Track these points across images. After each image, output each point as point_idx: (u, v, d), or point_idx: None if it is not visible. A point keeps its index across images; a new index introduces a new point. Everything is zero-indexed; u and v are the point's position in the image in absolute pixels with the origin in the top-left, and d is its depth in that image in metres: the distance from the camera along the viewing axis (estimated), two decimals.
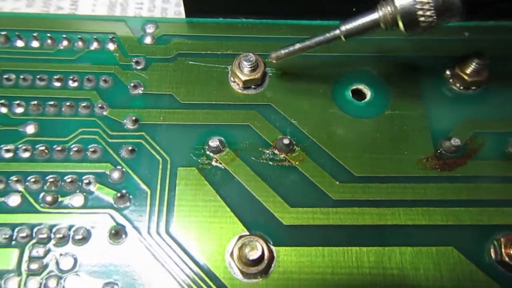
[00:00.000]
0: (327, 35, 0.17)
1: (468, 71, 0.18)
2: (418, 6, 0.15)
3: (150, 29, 0.19)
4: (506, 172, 0.17)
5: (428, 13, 0.15)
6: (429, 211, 0.16)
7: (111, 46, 0.19)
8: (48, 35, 0.19)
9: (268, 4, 0.19)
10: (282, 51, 0.17)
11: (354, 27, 0.16)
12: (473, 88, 0.18)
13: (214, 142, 0.17)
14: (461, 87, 0.18)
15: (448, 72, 0.19)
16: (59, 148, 0.16)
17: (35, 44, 0.19)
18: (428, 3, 0.15)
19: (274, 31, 0.19)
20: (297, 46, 0.17)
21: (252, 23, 0.20)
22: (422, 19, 0.15)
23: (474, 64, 0.18)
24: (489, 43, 0.19)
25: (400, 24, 0.16)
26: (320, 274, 0.15)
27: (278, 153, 0.17)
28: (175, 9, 0.26)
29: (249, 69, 0.18)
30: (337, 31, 0.17)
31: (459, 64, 0.18)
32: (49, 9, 0.26)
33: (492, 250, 0.15)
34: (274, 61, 0.18)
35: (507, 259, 0.15)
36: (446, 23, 0.15)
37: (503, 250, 0.15)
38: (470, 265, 0.15)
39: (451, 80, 0.18)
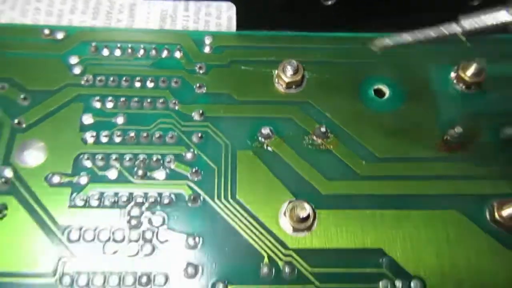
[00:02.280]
0: (444, 30, 0.16)
1: (469, 73, 0.22)
2: None
3: (208, 40, 0.24)
4: (500, 153, 0.21)
5: None
6: (437, 184, 0.20)
7: (178, 55, 0.23)
8: (129, 45, 0.23)
9: (303, 18, 0.24)
10: (390, 42, 0.17)
11: (478, 27, 0.15)
12: (473, 88, 0.23)
13: (265, 130, 0.21)
14: (464, 87, 0.23)
15: (452, 74, 0.23)
16: (144, 135, 0.21)
17: (117, 52, 0.23)
18: None
19: (310, 42, 0.24)
20: (408, 38, 0.17)
21: (291, 35, 0.24)
22: None
23: (473, 68, 0.22)
24: (487, 51, 0.23)
25: None
26: (351, 231, 0.19)
27: (316, 139, 0.21)
28: (216, 21, 0.31)
29: (291, 72, 0.22)
30: (458, 28, 0.16)
31: (462, 67, 0.22)
32: (110, 22, 0.31)
33: (487, 212, 0.19)
34: (377, 50, 0.18)
35: (499, 218, 0.19)
36: None
37: (495, 212, 0.19)
38: (471, 224, 0.19)
39: (455, 81, 0.23)
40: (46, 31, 0.23)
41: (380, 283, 0.18)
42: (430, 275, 0.18)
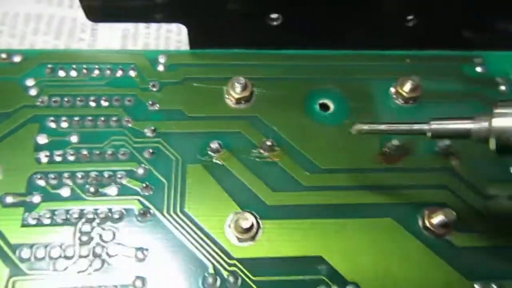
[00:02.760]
0: (414, 127, 0.18)
1: (406, 89, 0.24)
2: None
3: (162, 59, 0.25)
4: (434, 164, 0.22)
5: None
6: (374, 194, 0.21)
7: (132, 73, 0.24)
8: (84, 66, 0.24)
9: (254, 37, 0.25)
10: (365, 127, 0.19)
11: (443, 130, 0.17)
12: (411, 102, 0.24)
13: (214, 145, 0.22)
14: (402, 101, 0.24)
15: (392, 90, 0.24)
16: (97, 152, 0.22)
17: (73, 73, 0.24)
18: None
19: (258, 59, 0.25)
20: (382, 127, 0.19)
21: (241, 52, 0.25)
22: None
23: (410, 83, 0.24)
24: (425, 68, 0.25)
25: (492, 145, 0.15)
26: (293, 240, 0.20)
27: (263, 152, 0.22)
28: (177, 38, 0.32)
29: (240, 89, 0.23)
30: (426, 127, 0.17)
31: (399, 83, 0.24)
32: (73, 41, 0.32)
33: (420, 220, 0.21)
34: (353, 132, 0.20)
35: (429, 226, 0.20)
36: None
37: (426, 220, 0.20)
38: (405, 231, 0.21)
39: (394, 96, 0.24)
40: (3, 55, 0.24)
41: None
42: (365, 281, 0.19)
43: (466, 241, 0.20)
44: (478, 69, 0.25)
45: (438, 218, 0.20)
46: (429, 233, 0.20)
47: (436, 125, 0.17)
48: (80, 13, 0.24)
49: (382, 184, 0.22)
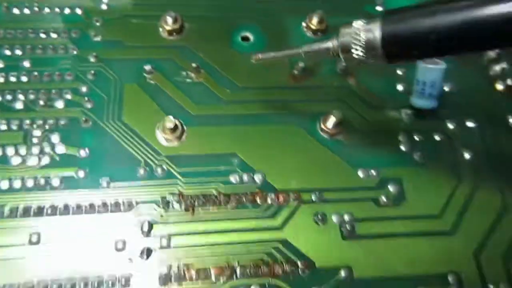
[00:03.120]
0: (292, 52, 0.23)
1: (314, 22, 0.28)
2: (352, 45, 0.19)
3: None
4: (334, 82, 0.27)
5: (358, 51, 0.19)
6: (283, 106, 0.26)
7: (79, 11, 0.28)
8: (36, 5, 0.27)
9: None
10: (260, 56, 0.24)
11: (310, 50, 0.21)
12: (319, 34, 0.28)
13: (147, 67, 0.26)
14: (311, 33, 0.28)
15: (303, 24, 0.29)
16: (47, 74, 0.25)
17: (26, 11, 0.27)
18: (359, 43, 0.19)
19: None
20: (272, 54, 0.24)
21: None
22: (355, 54, 0.19)
23: (316, 17, 0.28)
24: (333, 5, 0.29)
25: (341, 56, 0.20)
26: (212, 141, 0.24)
27: (190, 73, 0.26)
28: None
29: (171, 21, 0.27)
30: (299, 50, 0.22)
31: (309, 18, 0.28)
32: None
33: (317, 124, 0.25)
34: (253, 61, 0.24)
35: (324, 128, 0.25)
36: (375, 61, 0.19)
37: (322, 124, 0.25)
38: (305, 134, 0.25)
39: (305, 29, 0.28)
40: None
41: (231, 176, 0.23)
42: (269, 169, 0.24)
43: (352, 139, 0.25)
44: (379, 8, 0.30)
45: (330, 120, 0.24)
46: (324, 133, 0.25)
47: (305, 47, 0.22)
48: None
49: (289, 99, 0.26)
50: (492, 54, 0.28)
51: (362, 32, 0.18)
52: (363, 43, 0.18)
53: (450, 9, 0.16)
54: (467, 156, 0.25)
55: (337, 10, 0.29)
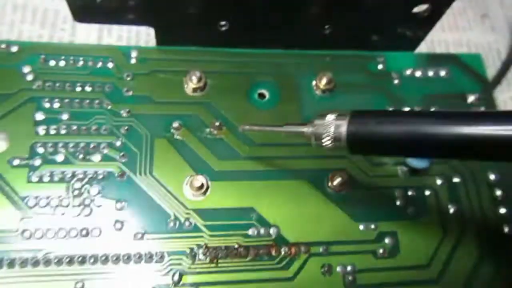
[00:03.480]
0: (273, 129, 0.26)
1: (323, 82, 0.31)
2: (323, 135, 0.22)
3: (134, 54, 0.31)
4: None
5: (327, 141, 0.21)
6: (295, 162, 0.29)
7: (110, 65, 0.30)
8: (71, 57, 0.30)
9: (208, 38, 0.32)
10: (246, 127, 0.27)
11: (289, 130, 0.24)
12: (327, 92, 0.31)
13: (176, 124, 0.29)
14: (320, 92, 0.31)
15: (313, 82, 0.32)
16: (84, 128, 0.28)
17: (62, 63, 0.30)
18: (329, 134, 0.21)
19: (212, 55, 0.31)
20: (255, 128, 0.27)
21: (197, 50, 0.31)
22: (324, 143, 0.22)
23: (326, 78, 0.31)
24: (340, 65, 0.32)
25: (312, 142, 0.23)
26: (234, 195, 0.28)
27: (213, 130, 0.29)
28: (146, 31, 0.38)
29: (196, 80, 0.30)
30: (280, 128, 0.25)
31: (318, 78, 0.31)
32: (55, 30, 0.37)
33: (326, 181, 0.29)
34: (240, 131, 0.27)
35: (331, 185, 0.28)
36: (341, 151, 0.22)
37: (329, 181, 0.28)
38: (315, 189, 0.28)
39: (315, 88, 0.32)
40: (3, 46, 0.29)
41: (249, 230, 0.27)
42: (283, 224, 0.27)
43: (355, 195, 0.28)
44: (380, 66, 0.33)
45: (337, 180, 0.28)
46: (330, 190, 0.28)
47: (285, 128, 0.25)
48: (62, 6, 0.30)
49: (300, 155, 0.29)
50: None
51: (332, 126, 0.21)
52: (332, 135, 0.21)
53: (407, 122, 0.19)
54: (451, 210, 0.29)
55: (344, 69, 0.32)
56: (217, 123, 0.29)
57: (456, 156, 0.22)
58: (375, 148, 0.20)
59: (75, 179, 0.27)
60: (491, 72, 0.40)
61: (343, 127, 0.20)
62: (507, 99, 0.41)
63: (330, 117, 0.21)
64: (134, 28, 0.37)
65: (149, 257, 0.25)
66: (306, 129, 0.23)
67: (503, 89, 0.41)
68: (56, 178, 0.26)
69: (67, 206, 0.26)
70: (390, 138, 0.19)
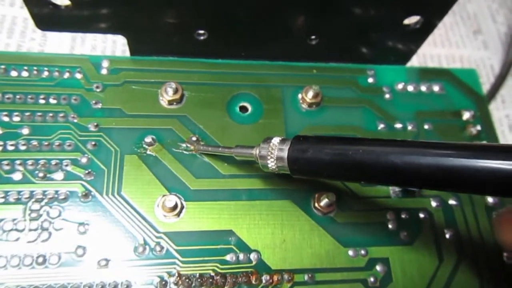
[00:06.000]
0: (224, 149, 0.25)
1: (310, 96, 0.29)
2: (268, 156, 0.22)
3: (105, 64, 0.29)
4: None
5: (271, 162, 0.22)
6: (278, 180, 0.27)
7: (79, 76, 0.28)
8: (35, 68, 0.27)
9: (185, 48, 0.29)
10: (202, 147, 0.26)
11: (239, 152, 0.24)
12: (314, 106, 0.29)
13: (148, 139, 0.26)
14: (306, 106, 0.29)
15: (299, 96, 0.30)
16: (46, 143, 0.25)
17: (24, 73, 0.27)
18: (273, 156, 0.22)
19: (189, 66, 0.29)
20: (209, 148, 0.26)
21: (174, 60, 0.29)
22: (269, 164, 0.23)
23: (312, 91, 0.29)
24: (328, 78, 0.30)
25: (259, 162, 0.23)
26: (210, 217, 0.25)
27: (189, 146, 0.27)
28: (123, 41, 0.35)
29: (172, 92, 0.28)
30: (231, 150, 0.25)
31: (304, 91, 0.29)
32: (24, 40, 0.35)
33: (312, 202, 0.26)
34: (193, 152, 0.26)
35: (318, 206, 0.26)
36: (285, 173, 0.23)
37: (316, 202, 0.26)
38: (299, 210, 0.26)
39: (301, 101, 0.29)
40: None
41: (228, 256, 0.24)
42: (265, 249, 0.25)
43: (344, 217, 0.26)
44: (370, 80, 0.31)
45: (324, 201, 0.25)
46: (317, 211, 0.26)
47: (236, 150, 0.25)
48: None
49: (285, 174, 0.27)
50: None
51: (276, 149, 0.22)
52: (275, 158, 0.22)
53: (340, 154, 0.20)
54: (447, 234, 0.27)
55: (332, 82, 0.30)
56: (194, 138, 0.27)
57: (390, 184, 0.25)
58: (313, 173, 0.22)
59: (32, 200, 0.24)
60: (485, 88, 0.38)
61: (285, 151, 0.22)
62: (503, 117, 0.39)
63: (275, 140, 0.22)
64: (110, 37, 0.35)
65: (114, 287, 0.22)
66: (253, 152, 0.23)
67: (498, 106, 0.39)
68: (11, 199, 0.24)
69: (22, 230, 0.23)
70: (328, 165, 0.20)
